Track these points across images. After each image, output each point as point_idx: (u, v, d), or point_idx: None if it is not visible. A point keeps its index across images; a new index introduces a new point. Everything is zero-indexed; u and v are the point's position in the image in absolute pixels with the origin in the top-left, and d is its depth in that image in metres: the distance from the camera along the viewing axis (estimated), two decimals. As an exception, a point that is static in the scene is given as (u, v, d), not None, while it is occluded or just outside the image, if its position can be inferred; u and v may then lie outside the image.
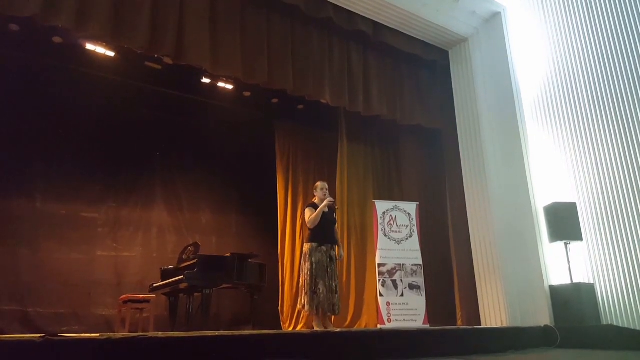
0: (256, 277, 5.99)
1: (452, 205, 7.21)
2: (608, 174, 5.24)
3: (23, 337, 2.63)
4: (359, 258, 7.54)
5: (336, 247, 5.48)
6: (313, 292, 5.09)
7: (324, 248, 5.26)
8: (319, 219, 5.29)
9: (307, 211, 5.41)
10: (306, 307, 5.14)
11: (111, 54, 6.67)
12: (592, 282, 5.21)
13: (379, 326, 6.27)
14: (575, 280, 5.21)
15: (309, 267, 5.17)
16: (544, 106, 6.04)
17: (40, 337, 2.45)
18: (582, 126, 5.56)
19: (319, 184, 5.64)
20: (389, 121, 7.11)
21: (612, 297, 5.04)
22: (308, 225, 5.37)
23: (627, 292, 4.94)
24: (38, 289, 6.46)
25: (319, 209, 5.34)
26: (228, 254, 5.79)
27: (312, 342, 3.49)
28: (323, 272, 5.16)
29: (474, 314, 6.20)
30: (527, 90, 6.26)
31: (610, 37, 5.44)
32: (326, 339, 3.60)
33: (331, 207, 5.47)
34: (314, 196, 5.62)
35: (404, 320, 6.32)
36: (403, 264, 6.59)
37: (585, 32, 5.70)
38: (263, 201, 8.41)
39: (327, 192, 5.55)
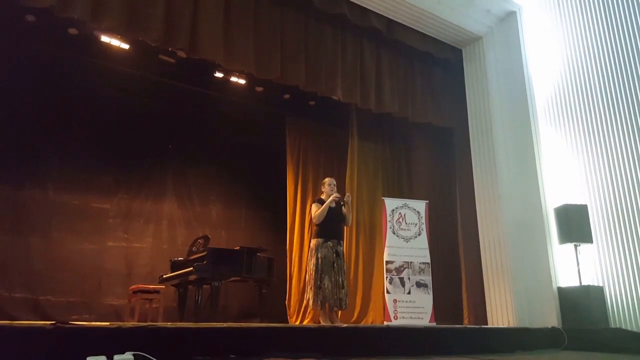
0: (264, 271, 6.04)
1: (461, 204, 7.19)
2: (620, 176, 5.20)
3: (34, 324, 2.68)
4: (367, 255, 7.55)
5: (343, 242, 5.50)
6: (318, 288, 5.10)
7: (330, 243, 5.27)
8: (324, 215, 5.30)
9: (314, 207, 5.44)
10: (311, 303, 5.16)
11: (126, 46, 6.72)
12: (601, 284, 5.18)
13: (385, 323, 6.28)
14: (584, 283, 5.18)
15: (315, 262, 5.19)
16: (557, 107, 6.00)
17: (51, 324, 2.50)
18: (595, 128, 5.52)
19: (326, 180, 5.65)
20: (400, 119, 7.09)
21: (621, 300, 5.01)
22: (314, 221, 5.39)
23: (636, 296, 4.90)
24: (49, 277, 6.55)
25: (324, 204, 5.35)
26: (237, 248, 5.84)
27: (318, 336, 3.51)
28: (329, 267, 5.17)
29: (481, 314, 6.18)
30: (541, 91, 6.22)
31: (625, 39, 5.38)
32: (333, 334, 3.62)
33: (337, 203, 5.47)
34: (322, 192, 5.63)
35: (411, 317, 6.32)
36: (411, 262, 6.58)
37: (600, 33, 5.65)
38: (273, 196, 8.45)
39: (335, 188, 5.55)
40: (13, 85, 6.37)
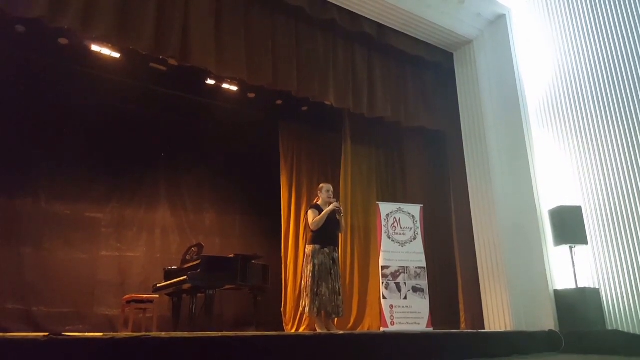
0: (259, 279, 5.99)
1: (456, 207, 7.20)
2: (614, 177, 5.21)
3: (27, 335, 2.63)
4: (363, 260, 7.53)
5: (338, 248, 5.47)
6: (315, 294, 5.05)
7: (326, 250, 5.23)
8: (323, 222, 5.25)
9: (311, 213, 5.35)
10: (307, 310, 5.11)
11: (116, 55, 6.69)
12: (597, 286, 5.18)
13: (382, 329, 6.25)
14: (580, 285, 5.18)
15: (311, 269, 5.13)
16: (549, 109, 6.02)
17: (43, 336, 2.45)
18: (588, 129, 5.53)
19: (323, 185, 5.57)
20: (393, 123, 7.10)
21: (618, 302, 5.01)
22: (312, 228, 5.32)
23: (632, 297, 4.90)
24: (42, 288, 6.49)
25: (324, 212, 5.27)
26: (232, 255, 5.81)
27: (314, 344, 3.48)
28: (326, 274, 5.13)
29: (478, 318, 6.17)
30: (532, 93, 6.24)
31: (615, 40, 5.41)
32: (329, 341, 3.59)
33: (336, 212, 5.41)
34: (317, 197, 5.59)
35: (407, 323, 6.30)
36: (407, 267, 6.58)
37: (590, 34, 5.68)
38: (267, 202, 8.42)
39: (332, 194, 5.51)
40: (3, 95, 6.33)
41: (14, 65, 6.51)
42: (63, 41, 6.39)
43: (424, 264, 6.67)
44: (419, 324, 6.32)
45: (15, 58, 6.47)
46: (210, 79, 7.33)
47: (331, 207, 5.30)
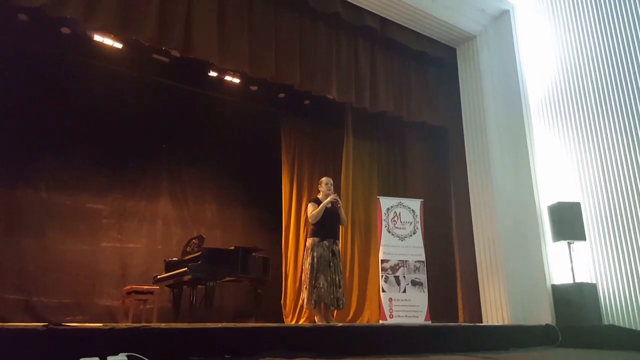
0: (260, 271, 6.02)
1: (456, 202, 7.20)
2: (613, 174, 5.22)
3: (27, 325, 2.65)
4: (363, 253, 7.55)
5: (339, 241, 5.49)
6: (313, 287, 5.09)
7: (326, 243, 5.26)
8: (321, 215, 5.29)
9: (310, 206, 5.41)
10: (305, 301, 5.15)
11: (119, 45, 6.70)
12: (594, 282, 5.21)
13: (380, 322, 6.29)
14: (577, 280, 5.20)
15: (310, 261, 5.18)
16: (550, 105, 6.02)
17: (43, 326, 2.47)
18: (589, 126, 5.54)
19: (324, 179, 5.62)
20: (395, 118, 7.10)
21: (614, 297, 5.04)
22: (310, 220, 5.37)
23: (629, 293, 4.93)
24: (43, 278, 6.50)
25: (321, 204, 5.32)
26: (232, 247, 5.82)
27: (313, 335, 3.50)
28: (325, 266, 5.16)
29: (476, 312, 6.20)
30: (534, 89, 6.24)
31: (618, 37, 5.40)
32: (328, 333, 3.61)
33: (334, 203, 5.43)
34: (319, 191, 5.62)
35: (406, 316, 6.34)
36: (406, 260, 6.60)
37: (593, 31, 5.67)
38: (268, 195, 8.44)
39: (332, 187, 5.54)
40: (5, 85, 6.32)
41: (16, 54, 6.49)
42: (65, 30, 6.39)
43: (423, 258, 6.69)
44: (417, 317, 6.36)
45: (17, 47, 6.46)
46: (213, 71, 7.34)
47: (328, 199, 5.34)
